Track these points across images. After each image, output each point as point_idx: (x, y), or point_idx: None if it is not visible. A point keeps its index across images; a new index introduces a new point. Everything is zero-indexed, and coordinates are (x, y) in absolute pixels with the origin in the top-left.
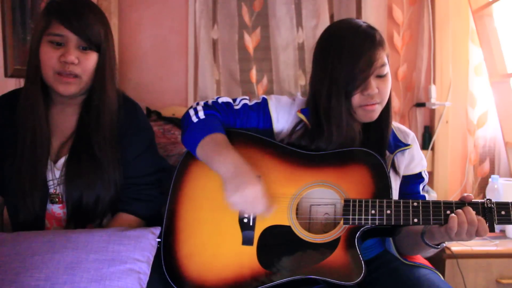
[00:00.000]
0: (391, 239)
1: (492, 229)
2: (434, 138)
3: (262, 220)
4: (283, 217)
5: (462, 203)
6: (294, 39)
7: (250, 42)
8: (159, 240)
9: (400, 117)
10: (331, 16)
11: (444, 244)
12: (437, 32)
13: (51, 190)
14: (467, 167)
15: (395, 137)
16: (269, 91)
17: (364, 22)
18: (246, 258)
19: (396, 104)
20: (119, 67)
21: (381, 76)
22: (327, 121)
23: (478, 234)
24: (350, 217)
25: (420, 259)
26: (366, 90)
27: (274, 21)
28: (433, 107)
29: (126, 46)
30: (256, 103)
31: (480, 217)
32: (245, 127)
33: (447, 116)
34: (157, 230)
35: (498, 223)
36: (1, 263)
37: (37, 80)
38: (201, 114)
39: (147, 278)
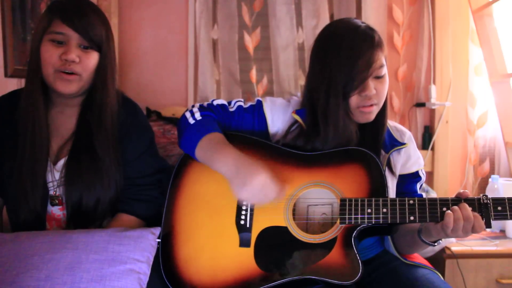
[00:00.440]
0: (390, 238)
1: (488, 225)
2: (434, 138)
3: (259, 221)
4: (280, 218)
5: (458, 200)
6: (294, 39)
7: (250, 42)
8: (159, 240)
9: (400, 117)
10: (331, 16)
11: (441, 241)
12: (437, 32)
13: (51, 192)
14: (467, 167)
15: (391, 136)
16: (269, 91)
17: (363, 23)
18: (244, 260)
19: (396, 104)
20: (119, 67)
21: (379, 77)
22: (324, 121)
23: (474, 230)
24: (347, 216)
25: (419, 259)
26: (364, 91)
27: (274, 21)
28: (433, 107)
29: (126, 46)
30: (251, 105)
31: (476, 214)
32: (240, 129)
33: (447, 116)
34: (157, 231)
35: (495, 219)
36: (1, 263)
37: (37, 81)
38: (198, 115)
39: (147, 279)
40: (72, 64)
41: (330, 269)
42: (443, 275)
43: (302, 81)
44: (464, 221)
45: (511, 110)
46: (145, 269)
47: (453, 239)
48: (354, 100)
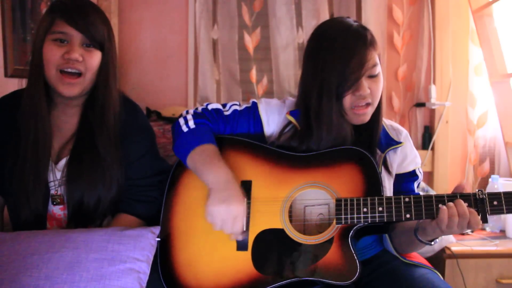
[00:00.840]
0: (388, 238)
1: (485, 220)
2: (434, 138)
3: (255, 224)
4: (276, 220)
5: (453, 196)
6: (294, 39)
7: (250, 42)
8: (158, 239)
9: (400, 117)
10: (331, 16)
11: (437, 240)
12: (437, 32)
13: (52, 191)
14: (467, 167)
15: (386, 135)
16: (269, 91)
17: (355, 21)
18: (242, 264)
19: (396, 104)
20: (119, 67)
21: (372, 76)
22: (317, 122)
23: (469, 226)
24: (343, 216)
25: (419, 258)
26: (358, 90)
27: (274, 21)
28: (433, 107)
29: (126, 46)
30: (246, 107)
31: (472, 210)
32: (235, 133)
33: (447, 116)
34: (156, 230)
35: (491, 214)
36: (1, 263)
37: (39, 81)
38: (191, 124)
39: (147, 278)
40: (76, 63)
41: (328, 270)
42: (443, 275)
43: None
44: (459, 217)
45: (511, 110)
46: (145, 268)
47: (453, 239)
48: (348, 100)
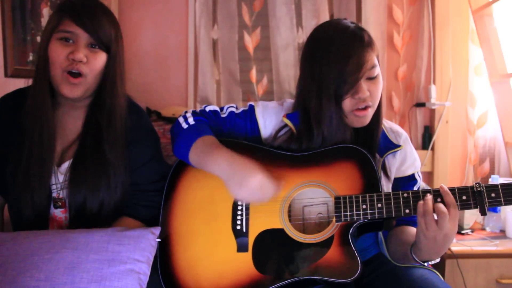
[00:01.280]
0: (384, 244)
1: (483, 212)
2: (434, 138)
3: (255, 225)
4: (276, 220)
5: (451, 190)
6: (294, 39)
7: (250, 42)
8: (159, 240)
9: (400, 117)
10: (331, 16)
11: (430, 262)
12: (437, 32)
13: (54, 194)
14: (467, 167)
15: (386, 138)
16: (269, 91)
17: (352, 23)
18: (243, 265)
19: (396, 104)
20: None
21: (371, 78)
22: (317, 125)
23: (439, 226)
24: (342, 214)
25: None
26: (357, 93)
27: (274, 21)
28: (433, 107)
29: (126, 46)
30: (243, 110)
31: (444, 210)
32: (232, 135)
33: (447, 116)
34: (157, 230)
35: (490, 206)
36: (1, 263)
37: (45, 81)
38: (191, 120)
39: (147, 279)
40: (79, 64)
41: (329, 268)
42: (443, 275)
43: None
44: (437, 214)
45: (511, 110)
46: (145, 269)
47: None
48: (347, 103)
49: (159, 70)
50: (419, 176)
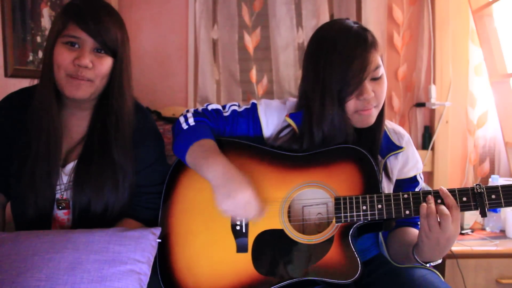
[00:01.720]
0: (384, 245)
1: (483, 214)
2: (434, 138)
3: (254, 226)
4: (275, 221)
5: (452, 191)
6: (294, 39)
7: (250, 42)
8: (159, 240)
9: (400, 117)
10: (331, 16)
11: (432, 264)
12: (437, 32)
13: (58, 195)
14: (467, 167)
15: (388, 139)
16: (269, 91)
17: (355, 23)
18: (242, 265)
19: (396, 104)
20: None
21: (376, 79)
22: (318, 126)
23: (442, 227)
24: (342, 214)
25: None
26: (362, 94)
27: (274, 21)
28: (433, 107)
29: None
30: (246, 109)
31: (446, 212)
32: (234, 134)
33: (447, 116)
34: (157, 231)
35: (490, 207)
36: (1, 263)
37: (50, 83)
38: (191, 121)
39: (148, 279)
40: (85, 70)
41: (329, 269)
42: (443, 275)
43: None
44: (439, 215)
45: (511, 110)
46: (146, 270)
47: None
48: (352, 104)
49: (159, 70)
50: (421, 178)
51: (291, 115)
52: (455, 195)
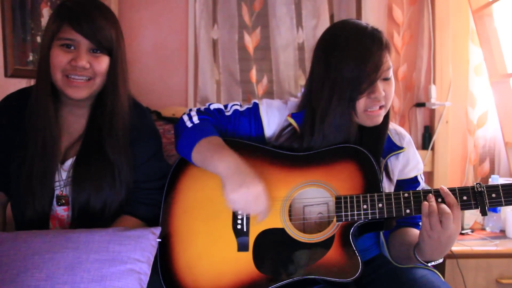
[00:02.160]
0: (385, 246)
1: (484, 213)
2: (434, 138)
3: (255, 225)
4: (276, 220)
5: (452, 190)
6: (294, 39)
7: (250, 42)
8: (159, 240)
9: (400, 117)
10: (331, 16)
11: (433, 263)
12: (437, 32)
13: (57, 192)
14: (467, 167)
15: (389, 140)
16: (269, 91)
17: (368, 24)
18: (243, 264)
19: (396, 104)
20: None
21: (386, 79)
22: (320, 125)
23: (443, 226)
24: (343, 213)
25: None
26: (374, 93)
27: (274, 21)
28: (433, 107)
29: (126, 46)
30: (247, 108)
31: (448, 210)
32: (236, 133)
33: (447, 116)
34: (157, 230)
35: (490, 206)
36: (1, 263)
37: (47, 84)
38: (196, 119)
39: (148, 279)
40: (83, 70)
41: (330, 268)
42: (443, 275)
43: (302, 81)
44: (440, 213)
45: (511, 110)
46: (146, 269)
47: None
48: (362, 103)
49: (159, 70)
50: (421, 179)
51: (292, 115)
52: (456, 194)
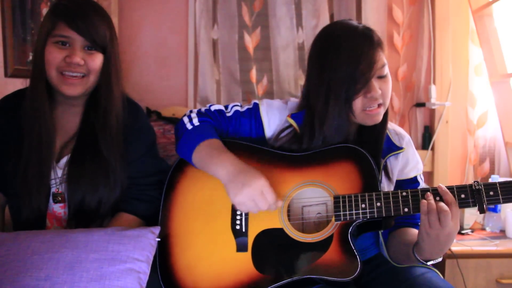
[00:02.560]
0: (384, 246)
1: (482, 210)
2: (434, 138)
3: (254, 225)
4: (275, 220)
5: (450, 188)
6: (294, 39)
7: (250, 42)
8: (158, 239)
9: (400, 117)
10: (331, 16)
11: (433, 262)
12: (437, 32)
13: (53, 189)
14: (467, 167)
15: (388, 140)
16: (269, 91)
17: (359, 23)
18: (242, 265)
19: (396, 104)
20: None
21: (382, 77)
22: (320, 126)
23: (441, 224)
24: (341, 213)
25: None
26: (370, 92)
27: (274, 21)
28: (433, 107)
29: (126, 46)
30: (248, 109)
31: (446, 208)
32: (237, 134)
33: (447, 116)
34: (156, 230)
35: (488, 204)
36: (1, 263)
37: (42, 82)
38: (196, 121)
39: (147, 278)
40: (77, 67)
41: (329, 267)
42: (443, 275)
43: (302, 81)
44: (439, 212)
45: (511, 110)
46: (145, 268)
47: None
48: (359, 102)
49: (159, 70)
50: (421, 179)
51: (292, 115)
52: (454, 192)
